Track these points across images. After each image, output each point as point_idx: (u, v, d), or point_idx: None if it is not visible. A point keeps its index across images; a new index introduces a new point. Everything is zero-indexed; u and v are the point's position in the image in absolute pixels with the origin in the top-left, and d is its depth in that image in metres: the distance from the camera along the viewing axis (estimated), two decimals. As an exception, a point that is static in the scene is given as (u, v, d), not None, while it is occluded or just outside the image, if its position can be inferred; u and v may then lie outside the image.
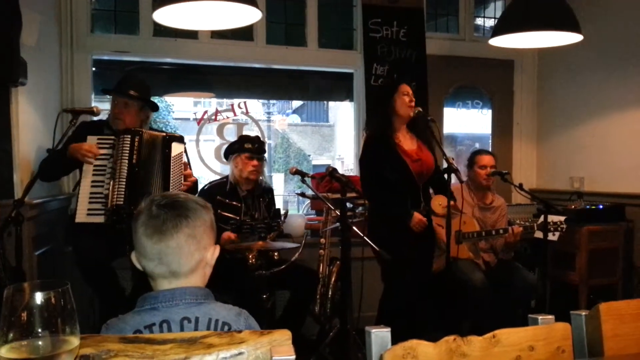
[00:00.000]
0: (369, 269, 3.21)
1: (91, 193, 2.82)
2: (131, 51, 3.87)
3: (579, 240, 3.73)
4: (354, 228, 2.69)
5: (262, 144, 3.35)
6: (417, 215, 3.00)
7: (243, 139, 3.32)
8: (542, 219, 3.24)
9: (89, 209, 2.80)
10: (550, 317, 1.23)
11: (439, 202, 3.07)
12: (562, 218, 3.21)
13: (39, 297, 0.79)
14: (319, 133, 15.56)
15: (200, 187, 3.40)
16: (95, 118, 3.11)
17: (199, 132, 4.19)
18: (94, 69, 3.82)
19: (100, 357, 0.98)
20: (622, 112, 3.96)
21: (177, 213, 1.22)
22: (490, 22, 4.84)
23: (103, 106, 3.20)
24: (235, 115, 4.18)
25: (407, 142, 3.11)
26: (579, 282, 3.76)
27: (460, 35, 4.65)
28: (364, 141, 3.20)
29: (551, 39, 3.10)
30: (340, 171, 3.32)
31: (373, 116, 3.17)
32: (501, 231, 3.41)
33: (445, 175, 2.89)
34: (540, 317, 1.23)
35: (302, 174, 2.96)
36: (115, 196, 2.78)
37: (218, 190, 3.24)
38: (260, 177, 3.33)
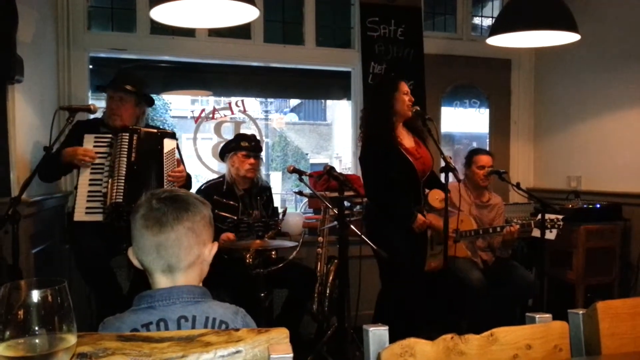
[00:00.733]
0: (366, 268, 3.21)
1: (89, 191, 2.82)
2: (128, 49, 3.86)
3: (576, 239, 3.74)
4: (352, 226, 2.69)
5: (259, 142, 3.35)
6: (420, 217, 3.00)
7: (239, 138, 3.32)
8: (539, 217, 3.24)
9: (87, 207, 2.80)
10: (547, 315, 1.24)
11: (436, 197, 3.07)
12: (560, 216, 3.22)
13: (35, 295, 0.79)
14: (317, 131, 15.55)
15: (197, 186, 3.40)
16: (91, 116, 3.10)
17: (197, 131, 4.18)
18: (90, 66, 3.81)
19: (97, 355, 0.98)
20: (619, 111, 3.97)
21: (178, 206, 1.23)
22: (487, 22, 4.84)
23: (100, 104, 3.19)
24: (232, 113, 4.17)
25: (405, 139, 3.11)
26: (576, 281, 3.77)
27: (458, 34, 4.65)
28: (363, 139, 3.14)
29: (548, 38, 3.10)
30: (338, 170, 3.32)
31: (371, 114, 3.13)
32: (498, 229, 3.42)
33: (443, 174, 2.89)
34: (537, 316, 1.23)
35: (300, 173, 2.96)
36: (114, 194, 2.79)
37: (215, 190, 3.23)
38: (257, 176, 3.32)
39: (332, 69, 4.46)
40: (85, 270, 2.82)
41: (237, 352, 1.02)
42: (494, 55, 4.54)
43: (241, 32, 4.02)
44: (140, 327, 1.16)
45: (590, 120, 4.22)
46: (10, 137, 2.73)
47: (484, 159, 3.59)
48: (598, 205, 3.87)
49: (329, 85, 4.77)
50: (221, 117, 4.15)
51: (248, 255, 2.96)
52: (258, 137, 3.45)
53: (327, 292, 3.29)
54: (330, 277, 3.31)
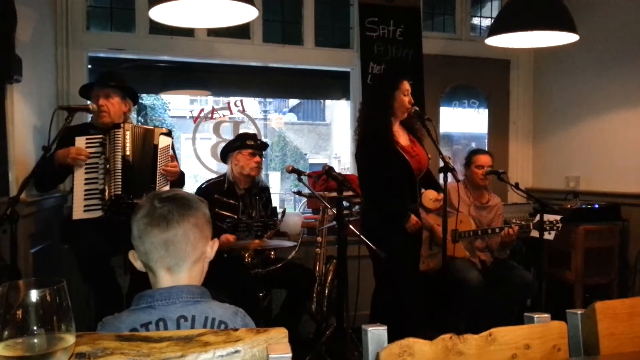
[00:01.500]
0: (365, 268, 3.21)
1: (86, 190, 2.83)
2: (127, 48, 3.86)
3: (575, 239, 3.75)
4: (351, 227, 2.69)
5: (262, 141, 3.37)
6: (413, 218, 3.00)
7: (244, 136, 3.32)
8: (538, 218, 3.25)
9: (85, 205, 2.81)
10: (546, 315, 1.24)
11: (429, 197, 3.08)
12: (558, 217, 3.22)
13: (34, 295, 0.79)
14: (316, 132, 15.57)
15: (197, 185, 3.40)
16: (77, 122, 3.09)
17: (195, 130, 4.18)
18: (89, 66, 3.81)
19: (96, 355, 0.98)
20: (618, 111, 3.97)
21: (181, 203, 1.26)
22: (486, 22, 4.85)
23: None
24: (231, 113, 4.17)
25: (402, 137, 3.10)
26: (575, 281, 3.77)
27: (457, 34, 4.65)
28: (360, 136, 3.13)
29: (547, 38, 3.10)
30: (337, 170, 3.32)
31: (370, 110, 3.11)
32: (497, 230, 3.42)
33: (442, 174, 2.90)
34: (536, 316, 1.23)
35: (299, 173, 2.96)
36: (112, 188, 2.81)
37: (215, 189, 3.23)
38: (259, 175, 3.33)
39: (331, 69, 4.46)
40: (84, 270, 2.82)
41: (236, 352, 1.03)
42: (492, 56, 4.54)
43: (240, 32, 4.02)
44: (140, 326, 1.16)
45: (589, 121, 4.22)
46: (9, 137, 2.73)
47: (483, 159, 3.60)
48: (596, 206, 3.88)
49: (328, 85, 4.77)
50: (220, 117, 4.14)
51: (247, 255, 2.97)
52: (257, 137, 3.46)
53: (326, 292, 3.29)
54: (329, 277, 3.32)
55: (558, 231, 3.22)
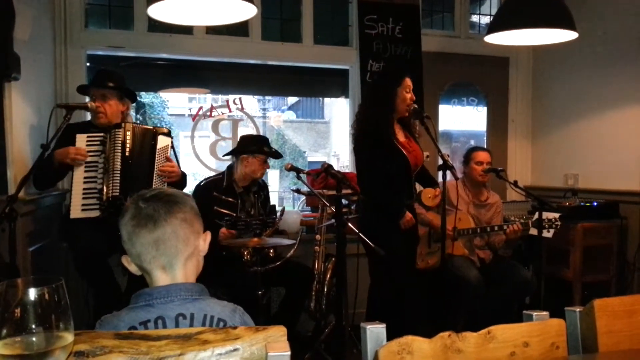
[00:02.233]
0: (364, 266, 3.21)
1: (84, 189, 2.83)
2: (126, 46, 3.85)
3: (573, 237, 3.75)
4: (350, 225, 2.69)
5: (276, 150, 3.37)
6: (408, 215, 3.00)
7: (260, 141, 3.30)
8: (536, 215, 3.25)
9: (83, 205, 2.81)
10: (544, 313, 1.24)
11: (428, 195, 3.10)
12: (557, 215, 3.23)
13: (32, 293, 0.78)
14: (315, 129, 15.55)
15: (195, 182, 3.39)
16: (75, 120, 3.08)
17: (194, 128, 4.17)
18: (88, 64, 3.80)
19: (94, 353, 0.97)
20: (617, 109, 3.97)
21: (166, 201, 1.25)
22: (485, 19, 4.84)
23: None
24: (230, 111, 4.16)
25: (399, 133, 3.12)
26: (573, 279, 3.77)
27: (456, 32, 4.65)
28: (358, 131, 3.13)
29: (546, 36, 3.10)
30: (336, 168, 3.31)
31: (370, 106, 3.12)
32: (496, 228, 3.43)
33: (441, 172, 2.90)
34: (534, 314, 1.23)
35: (298, 171, 2.96)
36: (110, 188, 2.80)
37: (214, 186, 3.23)
38: None
39: (330, 67, 4.45)
40: (82, 269, 2.82)
41: (235, 350, 1.02)
42: (491, 53, 4.53)
43: (239, 29, 4.01)
44: (138, 324, 1.16)
45: (587, 118, 4.22)
46: (7, 135, 2.73)
47: (483, 155, 3.60)
48: (595, 203, 3.88)
49: (327, 83, 4.76)
50: (219, 115, 4.14)
51: (246, 253, 2.97)
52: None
53: (325, 290, 3.29)
54: (328, 275, 3.32)
55: (557, 229, 3.23)
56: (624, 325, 1.30)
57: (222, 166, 3.38)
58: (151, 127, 3.05)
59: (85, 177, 2.84)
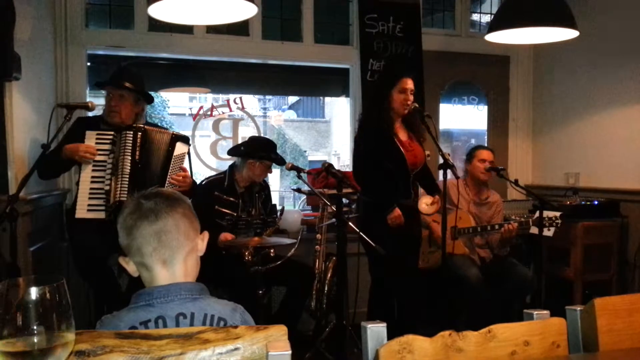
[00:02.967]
0: (364, 265, 3.22)
1: (91, 189, 2.80)
2: (126, 46, 3.85)
3: (574, 235, 3.75)
4: (350, 224, 2.69)
5: (281, 157, 3.34)
6: (397, 211, 3.00)
7: (269, 147, 3.28)
8: (537, 214, 3.25)
9: (89, 205, 2.78)
10: (545, 312, 1.24)
11: (425, 202, 3.12)
12: (558, 214, 3.23)
13: (33, 293, 0.79)
14: (315, 129, 15.56)
15: (196, 182, 3.39)
16: (90, 114, 3.08)
17: (195, 128, 4.17)
18: (88, 63, 3.80)
19: (95, 352, 0.98)
20: (618, 108, 3.97)
21: (166, 197, 1.28)
22: (486, 18, 4.84)
23: (98, 101, 3.17)
24: (231, 110, 4.16)
25: (401, 132, 3.14)
26: (574, 278, 3.77)
27: (457, 31, 4.64)
28: (359, 126, 3.16)
29: (547, 35, 3.10)
30: (337, 167, 3.32)
31: (371, 108, 3.15)
32: (497, 226, 3.42)
33: (441, 171, 2.90)
34: (535, 312, 1.23)
35: (298, 170, 2.96)
36: (118, 192, 2.76)
37: (216, 186, 3.23)
38: None
39: (330, 66, 4.45)
40: (83, 268, 2.81)
41: (236, 349, 1.03)
42: (492, 52, 4.53)
43: (239, 29, 4.01)
44: (139, 324, 1.16)
45: (588, 117, 4.22)
46: (8, 135, 2.73)
47: (486, 153, 3.60)
48: (596, 202, 3.88)
49: (328, 82, 4.76)
50: (219, 114, 4.14)
51: (247, 253, 2.97)
52: (256, 134, 3.45)
53: (325, 289, 3.29)
54: (329, 275, 3.32)
55: (557, 228, 3.22)
56: (625, 324, 1.30)
57: (223, 165, 3.38)
58: (171, 132, 2.97)
59: (92, 177, 2.80)
